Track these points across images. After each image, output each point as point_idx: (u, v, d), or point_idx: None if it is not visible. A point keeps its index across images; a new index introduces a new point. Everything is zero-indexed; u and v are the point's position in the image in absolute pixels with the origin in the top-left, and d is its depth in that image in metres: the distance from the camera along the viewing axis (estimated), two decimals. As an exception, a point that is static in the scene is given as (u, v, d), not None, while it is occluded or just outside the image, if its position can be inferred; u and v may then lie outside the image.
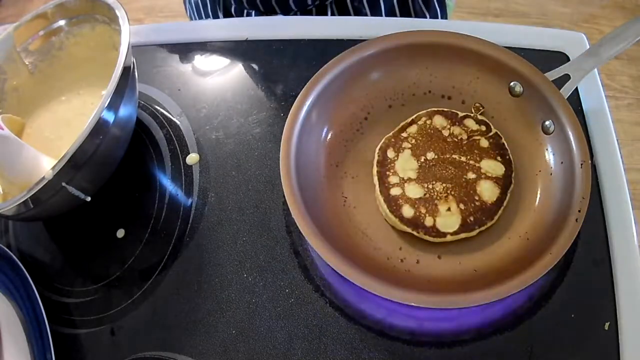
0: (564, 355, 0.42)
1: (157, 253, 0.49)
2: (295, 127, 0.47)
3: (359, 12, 0.69)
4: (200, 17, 0.78)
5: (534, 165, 0.48)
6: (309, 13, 0.68)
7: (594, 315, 0.43)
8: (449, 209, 0.45)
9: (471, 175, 0.47)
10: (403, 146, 0.48)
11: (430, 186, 0.46)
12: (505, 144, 0.48)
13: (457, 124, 0.49)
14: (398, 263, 0.45)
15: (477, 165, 0.47)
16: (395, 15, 0.71)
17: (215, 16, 0.75)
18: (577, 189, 0.43)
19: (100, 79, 0.53)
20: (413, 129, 0.49)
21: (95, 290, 0.48)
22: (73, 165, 0.42)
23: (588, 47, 0.54)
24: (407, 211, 0.45)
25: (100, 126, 0.43)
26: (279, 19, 0.67)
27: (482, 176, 0.47)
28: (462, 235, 0.45)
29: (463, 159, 0.47)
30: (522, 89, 0.49)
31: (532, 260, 0.41)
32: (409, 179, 0.47)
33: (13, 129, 0.50)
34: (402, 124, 0.50)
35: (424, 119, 0.49)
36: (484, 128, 0.49)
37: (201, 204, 0.51)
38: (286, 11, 0.68)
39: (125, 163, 0.51)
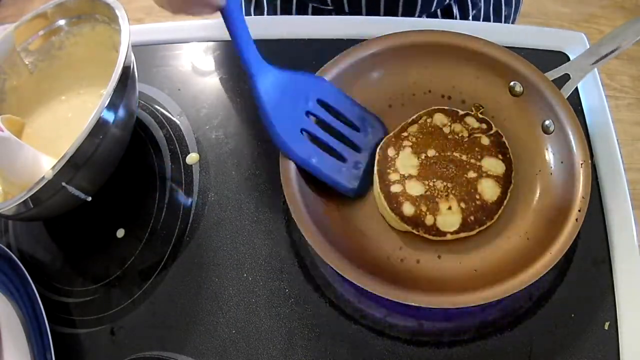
0: (564, 355, 0.42)
1: (157, 253, 0.49)
2: (295, 127, 0.47)
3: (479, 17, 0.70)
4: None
5: (534, 165, 0.48)
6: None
7: (594, 315, 0.43)
8: (449, 208, 0.45)
9: (472, 174, 0.47)
10: (404, 144, 0.48)
11: (431, 184, 0.46)
12: (506, 143, 0.48)
13: (458, 121, 0.49)
14: (398, 263, 0.45)
15: (478, 163, 0.47)
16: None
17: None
18: (577, 188, 0.43)
19: (100, 79, 0.53)
20: (414, 128, 0.49)
21: (95, 290, 0.48)
22: (73, 165, 0.42)
23: (588, 47, 0.54)
24: (408, 209, 0.45)
25: (100, 126, 0.43)
26: (279, 19, 0.67)
27: (483, 175, 0.47)
28: (462, 235, 0.45)
29: (464, 157, 0.47)
30: (522, 88, 0.49)
31: (532, 260, 0.41)
32: (410, 176, 0.47)
33: (13, 129, 0.50)
34: (402, 124, 0.50)
35: (424, 117, 0.49)
36: (484, 126, 0.49)
37: (201, 204, 0.51)
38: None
39: (125, 163, 0.51)
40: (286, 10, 0.70)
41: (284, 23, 0.62)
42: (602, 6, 1.61)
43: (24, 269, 0.45)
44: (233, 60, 0.59)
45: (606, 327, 0.42)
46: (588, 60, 0.48)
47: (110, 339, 0.46)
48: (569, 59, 0.54)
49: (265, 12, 0.72)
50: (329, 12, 0.67)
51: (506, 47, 0.49)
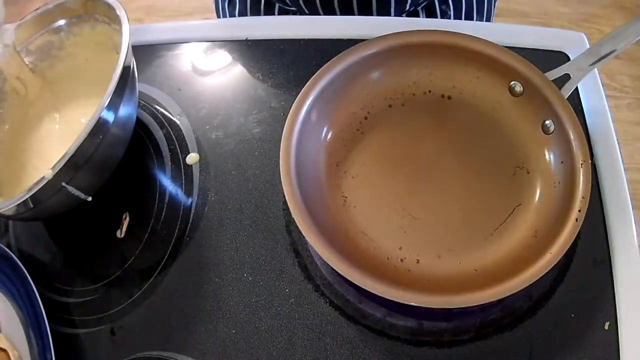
0: (564, 355, 0.42)
1: (157, 253, 0.49)
2: (295, 127, 0.47)
3: (444, 14, 0.70)
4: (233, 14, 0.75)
5: (534, 165, 0.48)
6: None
7: (594, 315, 0.43)
8: None
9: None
10: None
11: None
12: None
13: None
14: (398, 263, 0.45)
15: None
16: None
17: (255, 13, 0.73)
18: (577, 188, 0.43)
19: (100, 79, 0.53)
20: None
21: (95, 290, 0.48)
22: (73, 165, 0.42)
23: (588, 46, 0.54)
24: None
25: (100, 126, 0.43)
26: (279, 19, 0.67)
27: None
28: None
29: None
30: (522, 88, 0.49)
31: (532, 260, 0.41)
32: None
33: None
34: None
35: None
36: None
37: (201, 204, 0.51)
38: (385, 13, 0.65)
39: (125, 163, 0.51)
40: (256, 7, 0.70)
41: (284, 23, 0.62)
42: (602, 6, 1.61)
43: (24, 269, 0.45)
44: (233, 60, 0.59)
45: (606, 327, 0.42)
46: (588, 60, 0.48)
47: (110, 339, 0.46)
48: (569, 59, 0.54)
49: (237, 8, 0.72)
50: (293, 13, 0.67)
51: (506, 47, 0.49)
